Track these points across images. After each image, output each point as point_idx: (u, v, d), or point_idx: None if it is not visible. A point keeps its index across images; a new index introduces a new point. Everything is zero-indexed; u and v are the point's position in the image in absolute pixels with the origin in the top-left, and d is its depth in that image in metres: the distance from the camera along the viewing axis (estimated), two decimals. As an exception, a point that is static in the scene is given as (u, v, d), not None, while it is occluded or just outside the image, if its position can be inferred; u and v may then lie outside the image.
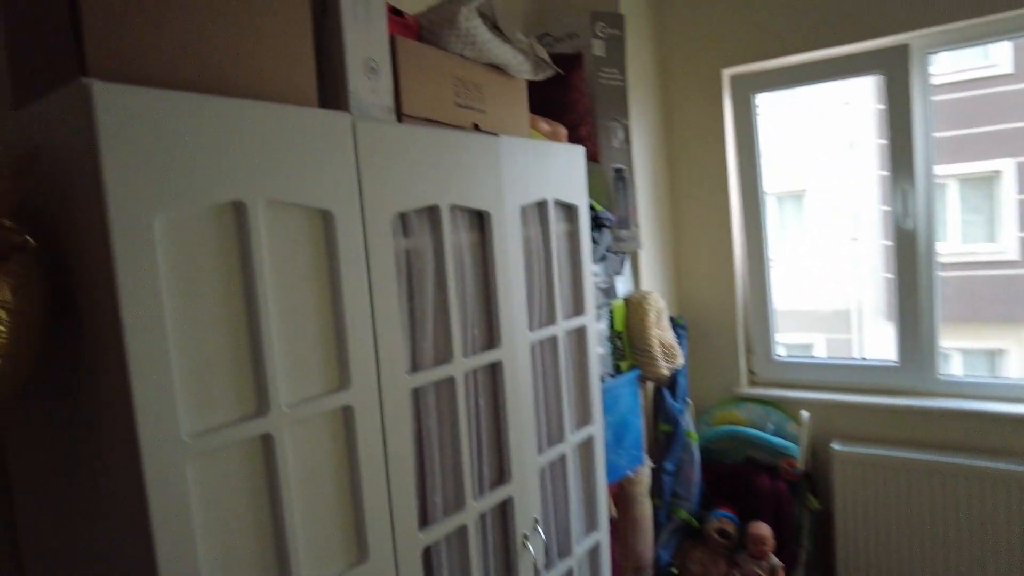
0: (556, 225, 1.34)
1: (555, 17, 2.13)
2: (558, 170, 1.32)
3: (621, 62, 1.98)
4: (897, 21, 1.94)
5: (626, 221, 2.00)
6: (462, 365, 1.06)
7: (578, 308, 1.40)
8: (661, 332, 2.03)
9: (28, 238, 0.60)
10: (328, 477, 0.86)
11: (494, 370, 1.15)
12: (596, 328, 1.44)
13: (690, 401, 2.20)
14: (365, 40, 0.98)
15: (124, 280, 0.64)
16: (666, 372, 1.98)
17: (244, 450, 0.76)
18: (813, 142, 6.50)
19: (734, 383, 2.29)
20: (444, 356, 1.05)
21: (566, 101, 1.82)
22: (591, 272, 1.43)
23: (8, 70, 0.83)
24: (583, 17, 1.94)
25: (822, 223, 6.62)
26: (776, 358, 2.31)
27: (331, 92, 0.97)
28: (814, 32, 2.05)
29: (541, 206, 1.29)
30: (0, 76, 0.87)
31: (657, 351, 1.98)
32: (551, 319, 1.30)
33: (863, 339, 6.49)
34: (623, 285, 2.03)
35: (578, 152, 1.39)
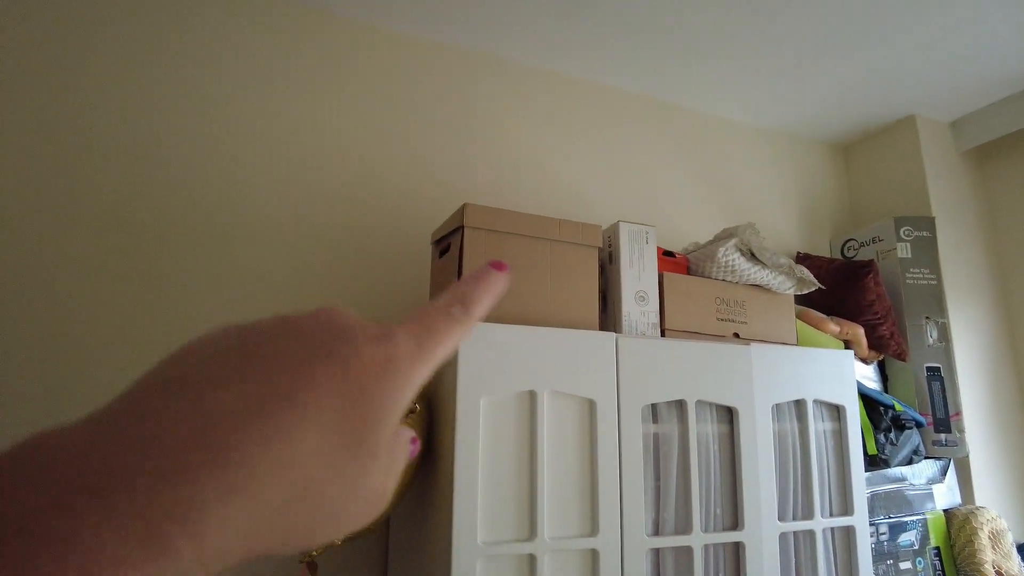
0: (819, 423, 1.44)
1: (863, 223, 2.24)
2: (820, 372, 1.45)
3: (933, 261, 1.97)
4: None
5: (945, 424, 1.87)
6: (700, 538, 1.25)
7: (845, 508, 1.43)
8: (999, 558, 1.76)
9: (417, 405, 1.10)
10: (574, 602, 1.15)
11: (737, 549, 1.29)
12: (868, 531, 1.42)
13: (1057, 658, 1.76)
14: (638, 278, 1.37)
15: (460, 436, 1.09)
16: (1005, 608, 1.69)
17: (516, 562, 1.11)
18: None
19: None
20: (684, 527, 1.26)
21: (862, 303, 1.89)
22: (862, 473, 1.45)
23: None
24: (887, 222, 2.03)
25: None
26: None
27: (610, 316, 1.37)
28: None
29: (799, 404, 1.43)
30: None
31: (991, 580, 1.72)
32: (808, 514, 1.38)
33: None
34: (945, 495, 1.85)
35: (845, 356, 1.49)
